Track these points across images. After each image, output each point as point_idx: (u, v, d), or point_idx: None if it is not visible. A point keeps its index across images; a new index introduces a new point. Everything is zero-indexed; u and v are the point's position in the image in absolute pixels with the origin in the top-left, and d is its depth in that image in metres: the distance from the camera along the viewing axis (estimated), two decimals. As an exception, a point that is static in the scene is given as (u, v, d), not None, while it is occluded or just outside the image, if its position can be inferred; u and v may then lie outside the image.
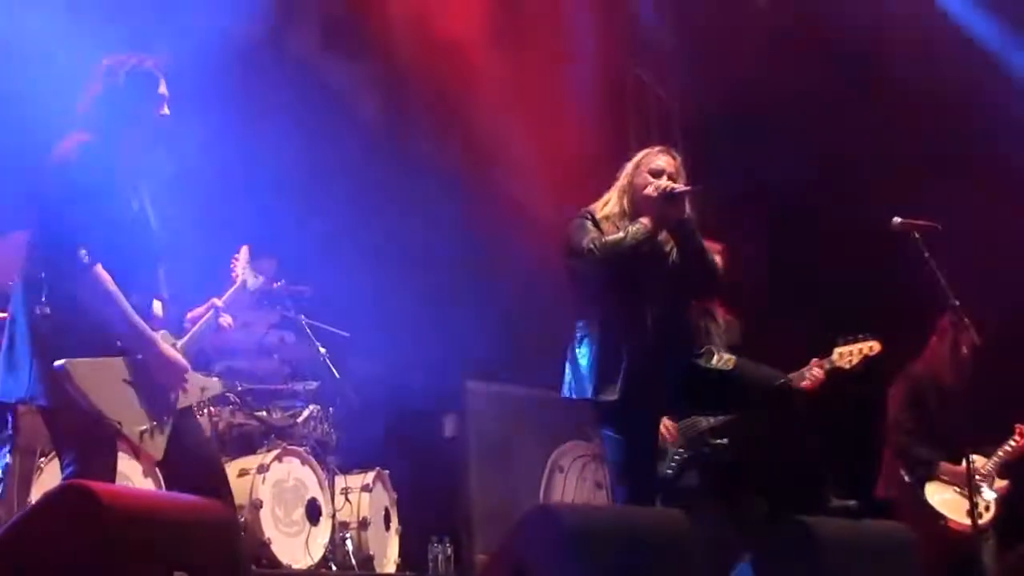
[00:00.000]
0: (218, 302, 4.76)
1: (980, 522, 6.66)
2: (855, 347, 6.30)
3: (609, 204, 5.25)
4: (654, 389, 5.11)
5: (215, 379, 5.02)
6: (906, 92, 8.18)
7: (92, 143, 4.34)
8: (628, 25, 10.57)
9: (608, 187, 5.38)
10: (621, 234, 5.07)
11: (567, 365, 5.27)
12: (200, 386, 4.61)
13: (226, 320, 4.77)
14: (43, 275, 4.22)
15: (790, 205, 8.97)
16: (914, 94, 8.12)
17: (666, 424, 6.31)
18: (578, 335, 5.23)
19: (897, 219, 5.66)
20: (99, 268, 4.20)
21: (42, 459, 6.19)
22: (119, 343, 4.28)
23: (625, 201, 5.22)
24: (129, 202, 4.42)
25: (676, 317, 5.24)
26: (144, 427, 4.25)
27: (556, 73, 9.61)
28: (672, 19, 10.63)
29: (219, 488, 4.43)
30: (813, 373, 6.31)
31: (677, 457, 6.36)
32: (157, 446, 4.33)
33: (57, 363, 4.08)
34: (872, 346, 6.29)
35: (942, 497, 6.92)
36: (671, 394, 5.19)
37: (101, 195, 4.27)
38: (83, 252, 4.16)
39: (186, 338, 4.60)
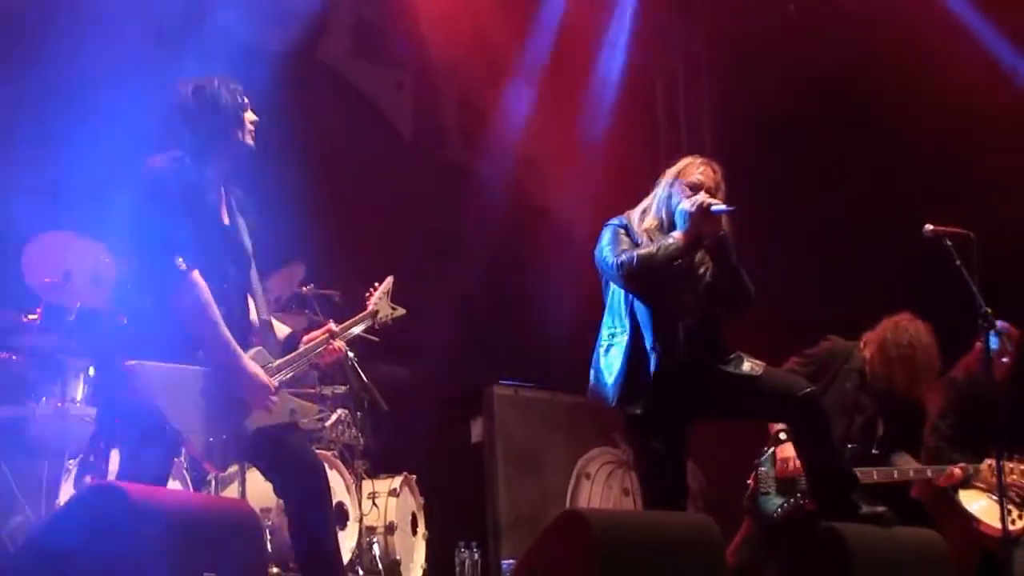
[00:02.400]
0: (335, 327, 4.73)
1: (1012, 528, 6.62)
2: None
3: (647, 214, 5.20)
4: (682, 400, 5.10)
5: (312, 406, 4.80)
6: (942, 97, 8.12)
7: (184, 159, 4.38)
8: (659, 32, 10.56)
9: (639, 193, 5.35)
10: (653, 248, 5.01)
11: (592, 371, 5.26)
12: (290, 408, 4.49)
13: (339, 345, 4.71)
14: (129, 286, 4.30)
15: (821, 212, 8.93)
16: (950, 98, 8.06)
17: (795, 461, 5.94)
18: (605, 343, 5.22)
19: (929, 227, 5.62)
20: (196, 275, 4.22)
21: (70, 461, 6.22)
22: (201, 353, 4.26)
23: (664, 212, 5.17)
24: (219, 217, 4.45)
25: (708, 330, 5.20)
26: (209, 438, 4.21)
27: (586, 79, 9.61)
28: (703, 26, 10.62)
29: (317, 508, 4.43)
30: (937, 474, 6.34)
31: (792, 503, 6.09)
32: (221, 459, 4.32)
33: (129, 363, 4.09)
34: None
35: (977, 504, 6.87)
36: (698, 402, 5.17)
37: (194, 209, 4.32)
38: (180, 260, 4.19)
39: (284, 359, 4.53)
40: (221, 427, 4.24)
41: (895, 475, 6.36)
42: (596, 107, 9.77)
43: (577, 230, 9.17)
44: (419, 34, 9.13)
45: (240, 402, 4.31)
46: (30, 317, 6.56)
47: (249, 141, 4.51)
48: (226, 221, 4.48)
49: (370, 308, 4.96)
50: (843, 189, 8.90)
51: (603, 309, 5.33)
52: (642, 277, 5.04)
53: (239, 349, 4.30)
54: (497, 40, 9.15)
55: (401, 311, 5.05)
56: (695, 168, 5.19)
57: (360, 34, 9.27)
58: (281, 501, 6.48)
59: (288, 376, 4.50)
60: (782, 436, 6.10)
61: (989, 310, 5.65)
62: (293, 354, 4.57)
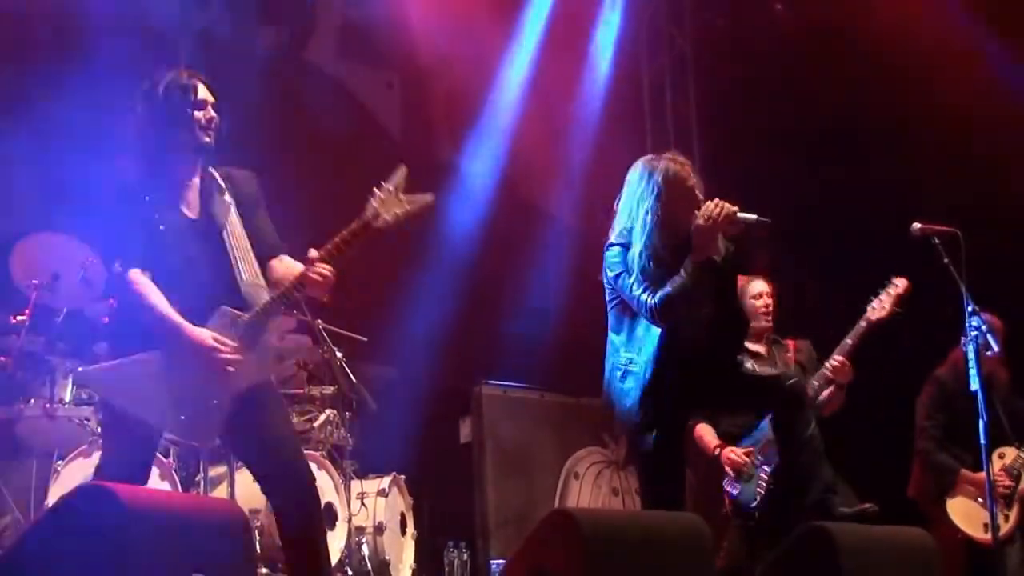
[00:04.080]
0: (313, 253, 4.46)
1: (1000, 533, 6.64)
2: (884, 295, 6.22)
3: (644, 235, 5.03)
4: (689, 411, 5.11)
5: (302, 339, 4.74)
6: (930, 95, 8.14)
7: (129, 164, 4.54)
8: (647, 29, 10.58)
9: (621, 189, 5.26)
10: (669, 289, 4.88)
11: (610, 394, 5.17)
12: (274, 355, 4.54)
13: (320, 271, 4.41)
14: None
15: (808, 209, 8.95)
16: (939, 94, 8.09)
17: (736, 452, 6.26)
18: (621, 368, 5.12)
19: (916, 225, 5.63)
20: (132, 274, 4.38)
21: (59, 462, 6.21)
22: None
23: (665, 232, 5.02)
24: (171, 205, 4.51)
25: (724, 343, 5.17)
26: (180, 416, 4.32)
27: (574, 78, 9.62)
28: (691, 24, 10.64)
29: (290, 472, 4.43)
30: (832, 364, 6.21)
31: (764, 478, 6.19)
32: (202, 434, 4.42)
33: (78, 370, 4.24)
34: (898, 284, 6.17)
35: (964, 508, 6.89)
36: (698, 405, 5.18)
37: (137, 210, 4.43)
38: (117, 264, 4.41)
39: (258, 308, 4.45)
40: (188, 402, 4.33)
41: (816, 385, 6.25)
42: (584, 106, 9.78)
43: (566, 229, 9.21)
44: (408, 34, 9.13)
45: (205, 373, 4.35)
46: (18, 318, 6.55)
47: (203, 139, 4.52)
48: (187, 210, 4.53)
49: (367, 212, 4.42)
50: (830, 187, 8.92)
51: (595, 309, 5.30)
52: (672, 318, 4.96)
53: (179, 320, 4.34)
54: (485, 39, 9.16)
55: (423, 199, 4.47)
56: (686, 177, 5.06)
57: (349, 35, 9.28)
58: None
59: (265, 320, 4.45)
60: (716, 451, 6.33)
61: (976, 308, 5.67)
62: (267, 300, 4.48)
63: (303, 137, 8.34)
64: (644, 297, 4.94)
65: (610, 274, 5.09)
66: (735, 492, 6.27)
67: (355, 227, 4.44)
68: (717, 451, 6.35)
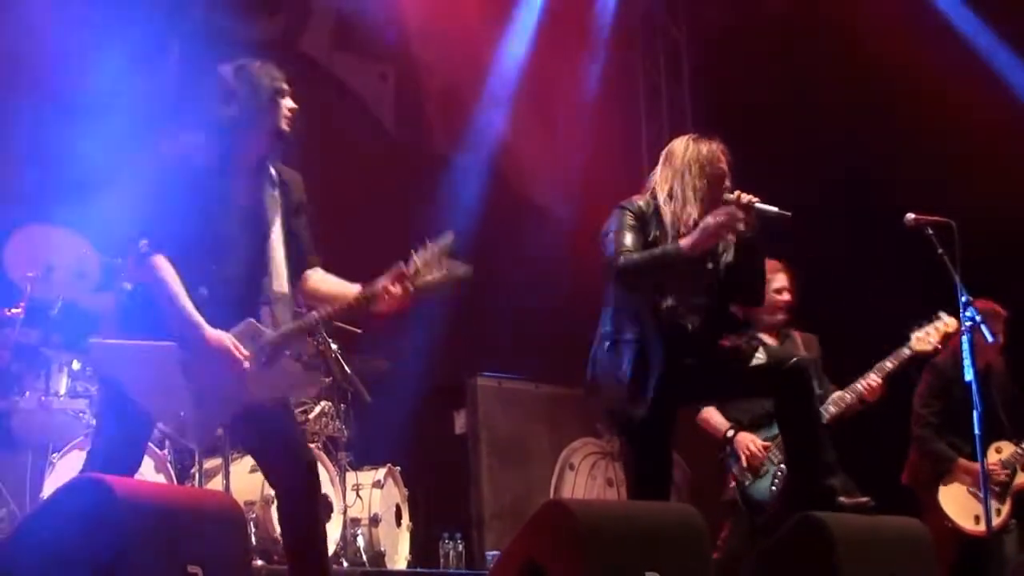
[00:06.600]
0: (395, 280, 4.43)
1: (993, 525, 6.64)
2: (931, 329, 6.21)
3: (686, 203, 4.99)
4: (680, 394, 5.09)
5: (315, 375, 4.64)
6: (924, 87, 8.15)
7: (195, 140, 4.44)
8: (641, 23, 10.59)
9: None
10: (638, 258, 4.89)
11: (591, 366, 5.17)
12: (289, 382, 4.45)
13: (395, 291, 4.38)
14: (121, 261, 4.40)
15: (803, 202, 8.94)
16: (931, 89, 8.10)
17: (755, 443, 6.17)
18: (609, 339, 5.11)
19: (911, 215, 5.62)
20: (158, 259, 4.27)
21: (54, 455, 6.21)
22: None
23: (703, 205, 4.99)
24: (231, 193, 4.43)
25: (716, 324, 5.14)
26: (180, 412, 4.26)
27: (569, 69, 9.61)
28: (685, 17, 10.65)
29: (303, 486, 4.42)
30: (868, 383, 6.18)
31: (779, 476, 6.10)
32: (195, 435, 4.38)
33: (92, 339, 4.16)
34: (948, 324, 6.13)
35: (956, 498, 6.89)
36: (693, 391, 5.16)
37: (182, 191, 4.32)
38: (143, 242, 4.27)
39: (284, 328, 4.41)
40: (190, 401, 4.27)
41: (831, 411, 6.18)
42: (578, 98, 9.78)
43: (560, 221, 9.21)
44: (402, 26, 9.13)
45: (214, 377, 4.30)
46: (13, 311, 6.54)
47: (283, 125, 4.51)
48: (242, 199, 4.46)
49: (410, 265, 4.43)
50: (824, 179, 8.92)
51: (589, 300, 5.29)
52: (633, 283, 4.97)
53: (199, 318, 4.27)
54: (480, 31, 9.15)
55: (460, 271, 4.49)
56: (719, 158, 5.07)
57: (343, 26, 9.26)
58: (266, 494, 6.53)
59: (287, 344, 4.42)
60: (730, 433, 6.22)
61: (971, 298, 5.67)
62: (295, 323, 4.45)
63: (296, 129, 8.31)
64: (618, 250, 4.93)
65: (603, 235, 5.07)
66: (746, 483, 6.17)
67: (395, 275, 4.43)
68: (731, 433, 6.22)
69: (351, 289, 4.52)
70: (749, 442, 6.16)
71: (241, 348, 4.31)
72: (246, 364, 4.31)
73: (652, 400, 4.96)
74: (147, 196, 4.40)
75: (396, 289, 4.40)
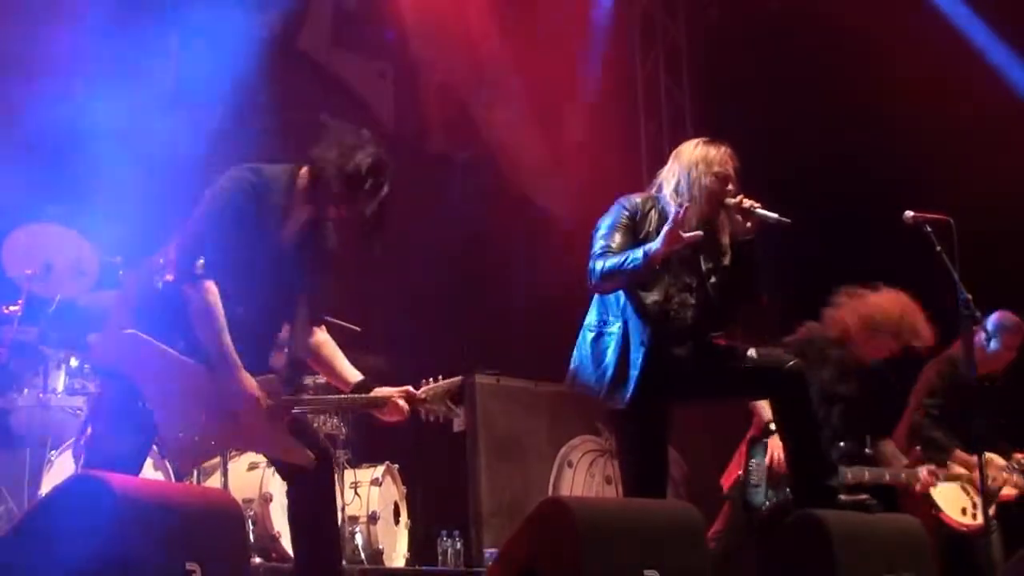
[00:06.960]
0: (404, 397, 4.57)
1: (974, 522, 6.69)
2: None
3: (690, 201, 4.99)
4: (669, 390, 5.09)
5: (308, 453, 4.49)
6: (923, 81, 8.15)
7: (264, 181, 4.39)
8: (640, 21, 10.58)
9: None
10: (618, 260, 4.91)
11: (576, 357, 5.22)
12: (284, 447, 4.42)
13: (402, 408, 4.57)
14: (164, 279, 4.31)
15: (801, 199, 8.95)
16: (930, 83, 8.10)
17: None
18: (594, 330, 5.17)
19: (909, 213, 5.61)
20: (211, 283, 4.23)
21: (52, 452, 6.21)
22: (182, 343, 4.27)
23: (702, 197, 5.02)
24: (280, 246, 4.41)
25: (705, 321, 5.16)
26: (179, 433, 4.21)
27: (567, 67, 9.61)
28: (684, 15, 10.65)
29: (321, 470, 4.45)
30: (923, 477, 6.31)
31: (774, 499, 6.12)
32: (180, 457, 4.35)
33: (128, 330, 4.14)
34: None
35: (945, 489, 6.87)
36: (685, 389, 5.16)
37: (244, 222, 4.29)
38: (200, 262, 4.22)
39: (303, 396, 4.63)
40: (193, 427, 4.23)
41: (886, 477, 6.32)
42: (577, 96, 9.77)
43: (558, 219, 9.21)
44: (401, 23, 9.12)
45: (226, 413, 4.28)
46: (11, 308, 6.55)
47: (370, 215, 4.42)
48: (289, 251, 4.44)
49: (420, 391, 4.61)
50: (824, 176, 8.92)
51: (588, 299, 5.29)
52: (599, 287, 5.04)
53: (239, 362, 4.27)
54: (479, 29, 9.14)
55: (456, 415, 4.75)
56: (727, 160, 5.09)
57: (341, 24, 9.26)
58: (264, 492, 6.53)
59: (299, 409, 4.51)
60: (772, 427, 6.06)
61: (970, 296, 5.66)
62: (312, 398, 4.69)
63: (295, 126, 8.31)
64: (599, 249, 4.99)
65: (598, 227, 5.12)
66: (752, 482, 6.16)
67: (405, 394, 4.57)
68: (772, 427, 5.97)
69: (345, 364, 4.64)
70: (780, 449, 6.00)
71: (264, 401, 4.32)
72: (262, 418, 4.33)
73: (632, 392, 5.00)
74: (209, 217, 4.33)
75: (403, 405, 4.55)
